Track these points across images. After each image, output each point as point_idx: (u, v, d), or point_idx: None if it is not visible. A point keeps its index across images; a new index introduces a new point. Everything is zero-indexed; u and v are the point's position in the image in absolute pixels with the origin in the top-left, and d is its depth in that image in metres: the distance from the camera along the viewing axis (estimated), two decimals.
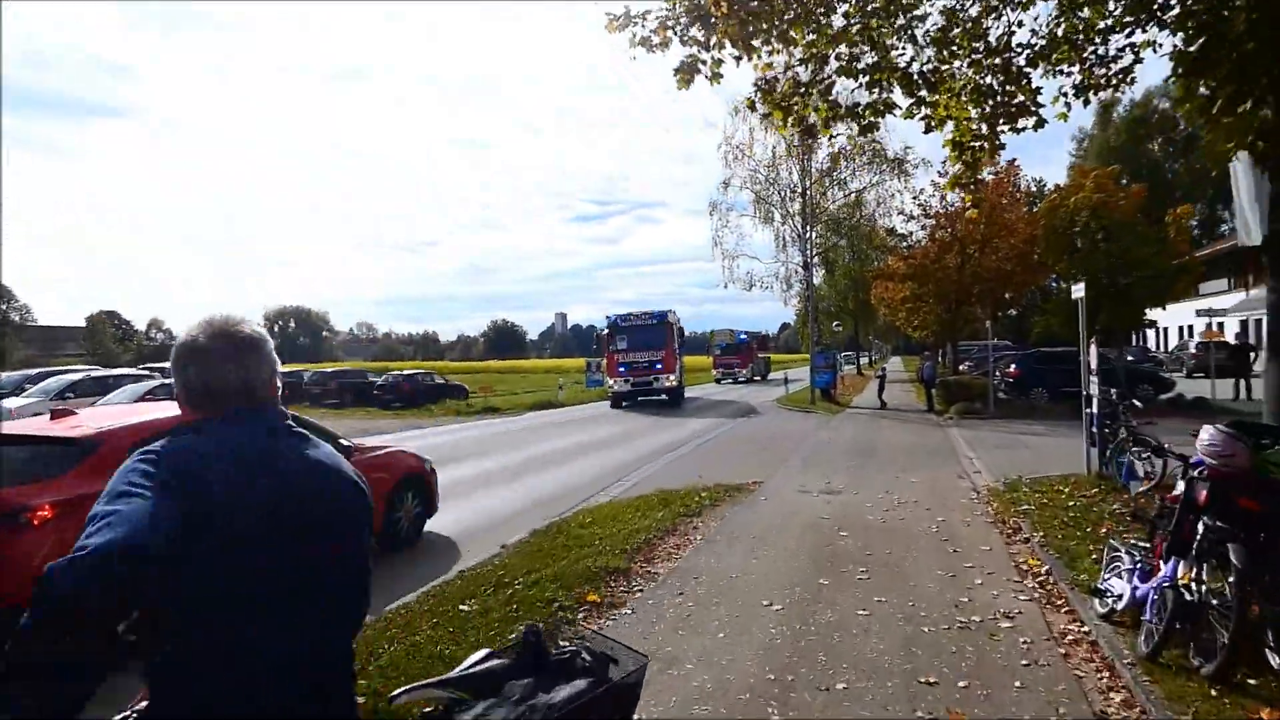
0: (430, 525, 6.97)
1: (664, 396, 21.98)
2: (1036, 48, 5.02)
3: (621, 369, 21.56)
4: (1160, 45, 4.78)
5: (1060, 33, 4.97)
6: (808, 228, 22.77)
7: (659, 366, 21.35)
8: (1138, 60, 4.87)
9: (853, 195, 23.74)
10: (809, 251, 22.73)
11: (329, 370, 27.95)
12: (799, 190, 23.34)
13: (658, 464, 10.77)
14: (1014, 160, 22.29)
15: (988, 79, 5.01)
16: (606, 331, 22.16)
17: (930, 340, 33.70)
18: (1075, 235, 17.52)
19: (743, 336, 35.39)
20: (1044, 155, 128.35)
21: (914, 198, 22.15)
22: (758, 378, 38.44)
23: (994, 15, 4.99)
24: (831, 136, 5.58)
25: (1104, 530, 5.67)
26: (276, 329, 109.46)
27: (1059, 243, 18.12)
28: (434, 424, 18.66)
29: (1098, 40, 4.92)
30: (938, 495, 7.73)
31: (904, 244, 22.88)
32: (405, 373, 26.19)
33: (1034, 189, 26.44)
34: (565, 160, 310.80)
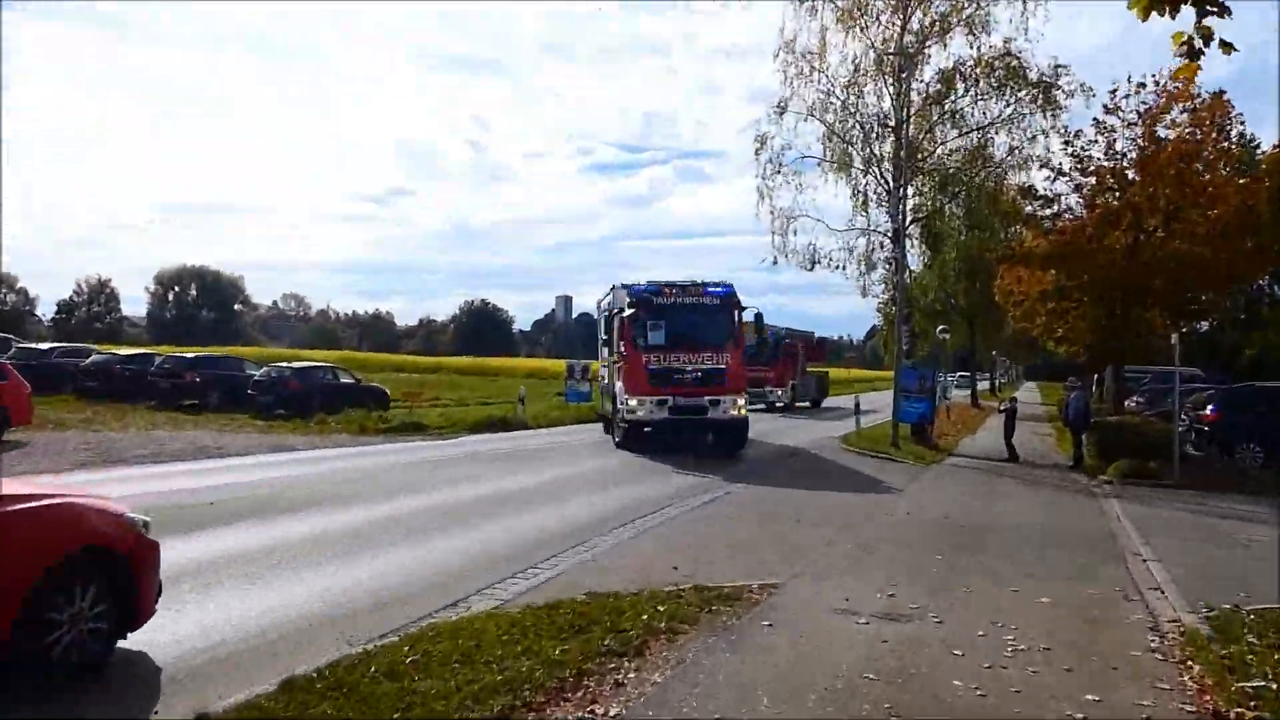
0: (144, 636, 5.60)
1: (714, 434, 18.33)
2: None
3: (655, 378, 17.65)
4: None
5: None
6: (902, 180, 21.15)
7: (719, 380, 17.71)
8: None
9: (973, 135, 22.23)
10: (902, 216, 21.08)
11: (189, 357, 27.44)
12: (891, 123, 21.97)
13: (620, 535, 9.78)
14: (1221, 93, 20.42)
15: None
16: (629, 311, 18.03)
17: (1081, 360, 32.07)
18: None
19: (778, 334, 30.71)
20: (1247, 109, 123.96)
21: (1065, 143, 20.63)
22: (805, 402, 35.46)
23: None
24: None
25: None
26: (171, 298, 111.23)
27: None
28: (311, 444, 18.51)
29: None
30: (1087, 638, 6.45)
31: (1047, 212, 21.63)
32: (296, 366, 26.19)
33: (1244, 146, 24.39)
34: (589, 89, 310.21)
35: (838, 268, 23.91)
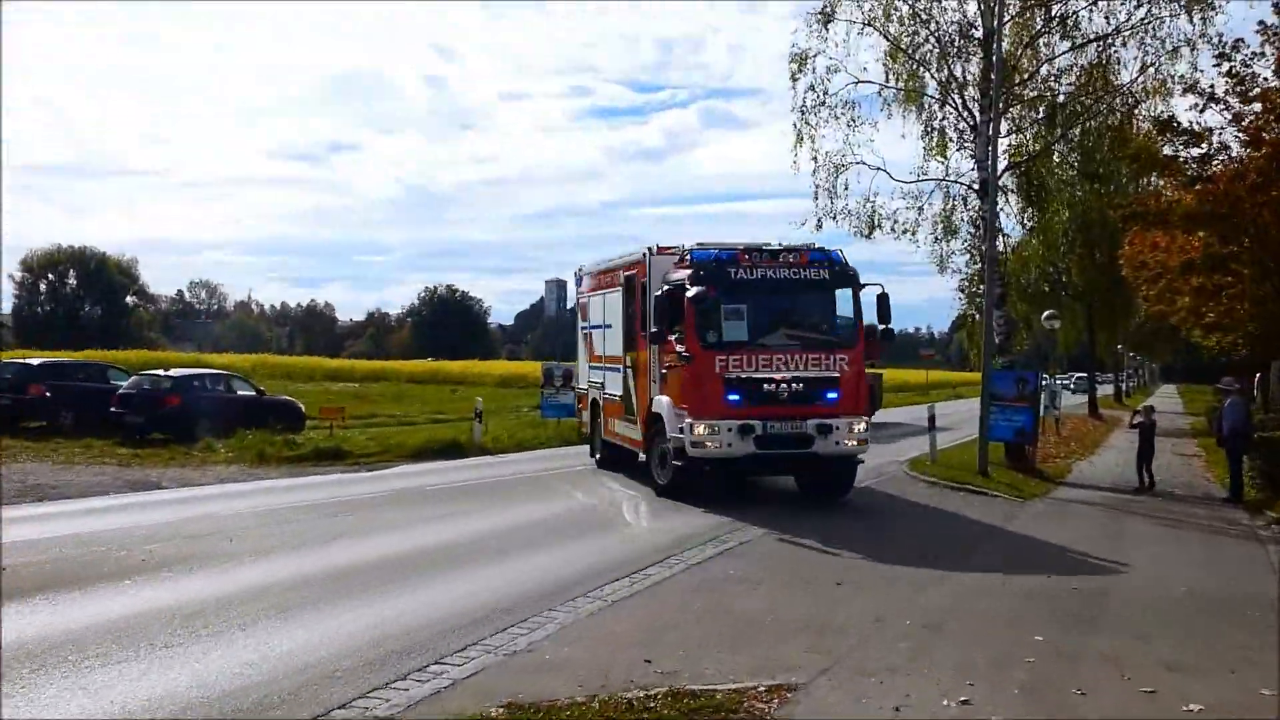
0: None
1: (810, 473, 16.74)
2: None
3: (735, 393, 15.06)
4: None
5: None
6: (993, 112, 20.47)
7: (830, 394, 15.42)
8: None
9: (1090, 49, 21.87)
10: (993, 161, 20.28)
11: (34, 364, 27.07)
12: (978, 34, 21.64)
13: (579, 610, 9.26)
14: None
15: None
16: (693, 290, 15.11)
17: (1240, 355, 31.53)
18: None
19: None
20: None
21: (1220, 56, 19.62)
22: None
23: None
24: None
25: None
26: (43, 288, 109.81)
27: None
28: (184, 480, 18.55)
29: None
30: None
31: (1194, 153, 20.56)
32: (176, 375, 26.11)
33: None
34: (587, 8, 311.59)
35: (905, 232, 23.71)
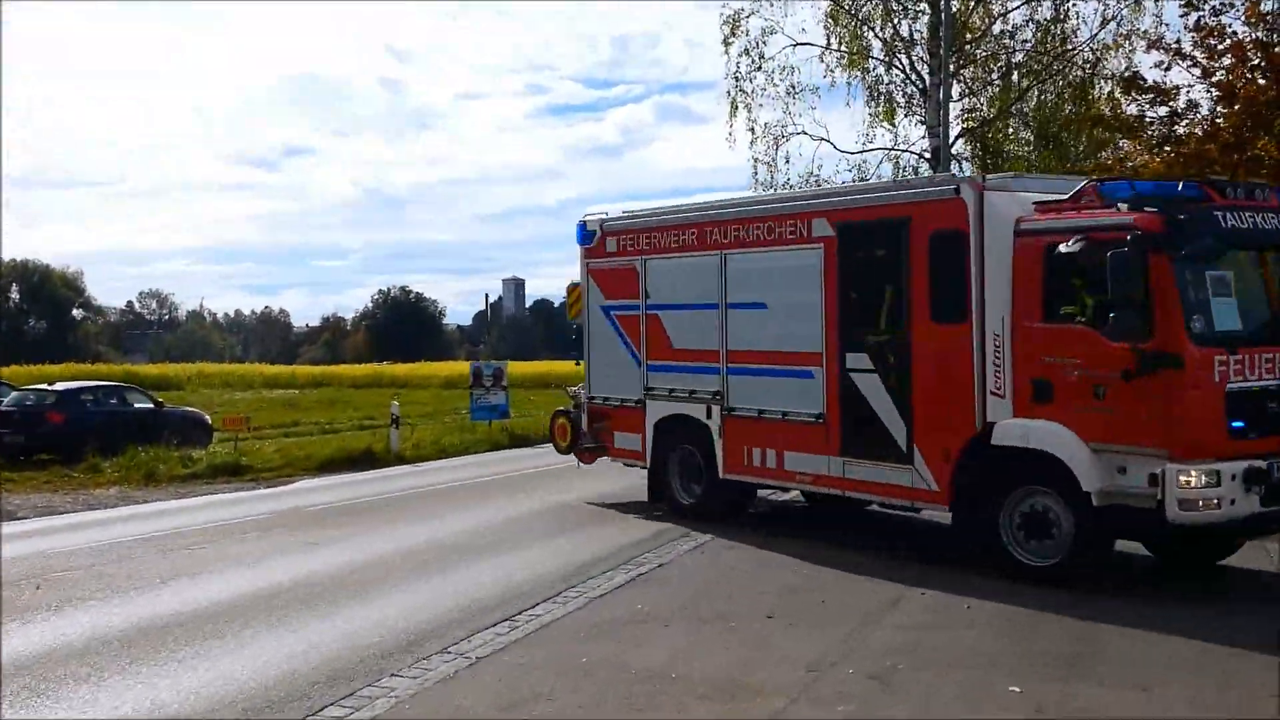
0: None
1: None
2: None
3: (1243, 415, 9.52)
4: None
5: None
6: (943, 74, 19.78)
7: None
8: None
9: (1046, 4, 21.79)
10: (944, 127, 19.77)
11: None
12: None
13: (432, 673, 7.85)
14: None
15: None
16: (1187, 246, 9.37)
17: None
18: None
19: None
20: None
21: (1185, 7, 18.63)
22: None
23: None
24: None
25: None
26: None
27: None
28: (48, 507, 17.82)
29: None
30: None
31: (1160, 112, 19.71)
32: (62, 389, 24.96)
33: None
34: (541, 6, 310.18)
35: None
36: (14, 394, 25.40)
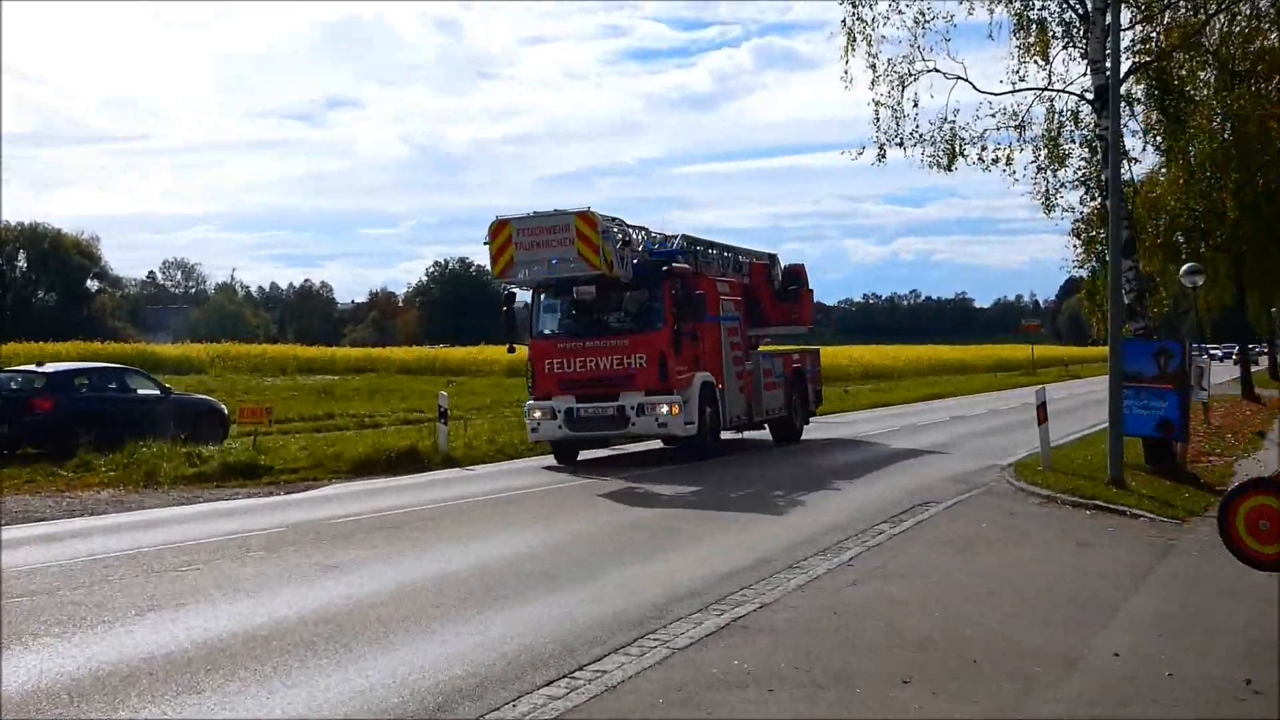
0: None
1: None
2: None
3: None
4: None
5: None
6: None
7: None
8: None
9: None
10: (1114, 59, 19.15)
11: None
12: None
13: None
14: None
15: None
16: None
17: None
18: None
19: (669, 250, 25.57)
20: None
21: None
22: (737, 427, 27.05)
23: None
24: None
25: None
26: None
27: None
28: (25, 514, 18.01)
29: None
30: None
31: None
32: (52, 371, 25.91)
33: None
34: None
35: (996, 162, 23.08)
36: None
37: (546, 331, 23.55)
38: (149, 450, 22.13)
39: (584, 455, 24.11)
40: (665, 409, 22.25)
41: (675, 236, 24.86)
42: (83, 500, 18.99)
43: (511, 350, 25.86)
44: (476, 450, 24.63)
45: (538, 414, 22.78)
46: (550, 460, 24.01)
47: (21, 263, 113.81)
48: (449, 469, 22.80)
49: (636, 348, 22.67)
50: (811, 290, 29.75)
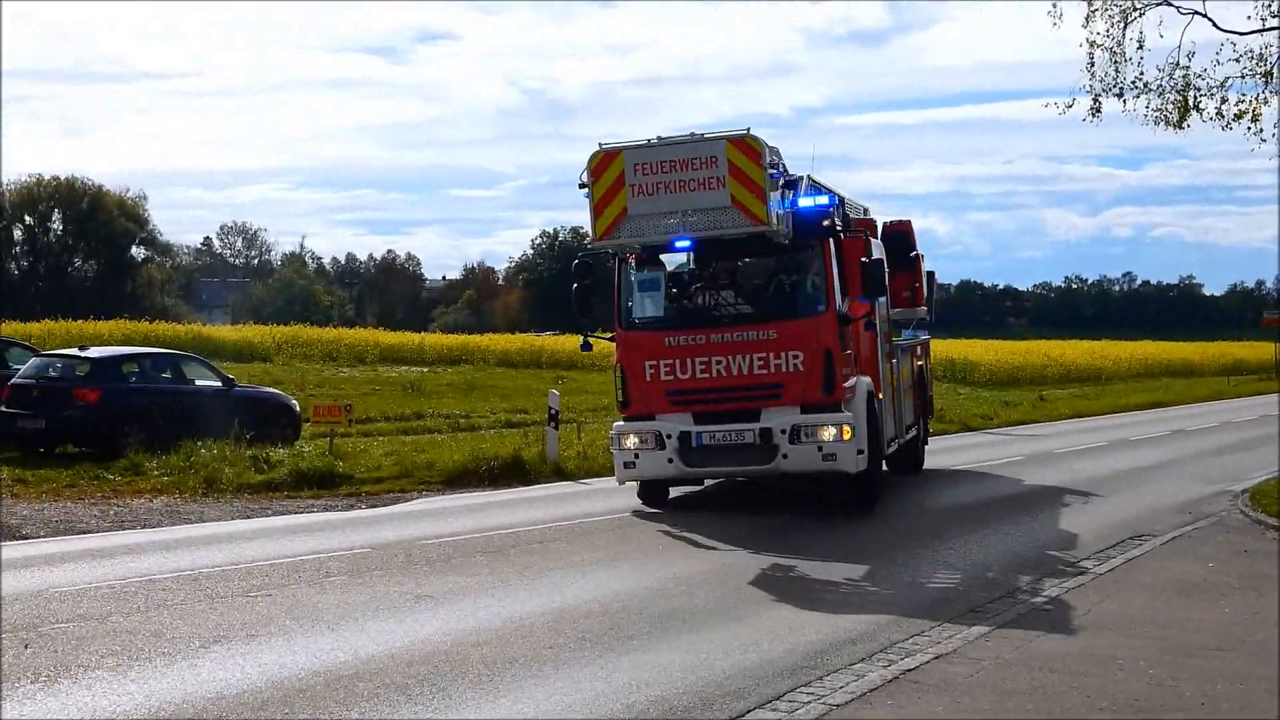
0: None
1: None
2: None
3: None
4: None
5: None
6: None
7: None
8: None
9: None
10: None
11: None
12: None
13: None
14: None
15: None
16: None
17: None
18: None
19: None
20: None
21: None
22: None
23: None
24: None
25: None
26: (17, 234, 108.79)
27: None
28: (67, 525, 18.23)
29: None
30: None
31: None
32: (97, 355, 26.30)
33: None
34: None
35: (1240, 117, 22.01)
36: (33, 362, 26.04)
37: (646, 318, 18.73)
38: (208, 452, 22.32)
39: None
40: (832, 433, 17.49)
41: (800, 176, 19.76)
42: (133, 509, 19.17)
43: (587, 347, 21.10)
44: (593, 461, 24.14)
45: (633, 441, 18.05)
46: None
47: (56, 225, 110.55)
48: (560, 482, 22.70)
49: (788, 341, 17.75)
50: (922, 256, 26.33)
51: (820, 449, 17.33)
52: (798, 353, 17.51)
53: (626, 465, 18.18)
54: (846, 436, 17.43)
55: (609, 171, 17.48)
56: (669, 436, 17.59)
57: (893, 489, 22.63)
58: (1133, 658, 10.70)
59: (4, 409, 24.04)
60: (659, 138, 18.18)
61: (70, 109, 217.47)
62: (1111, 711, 9.17)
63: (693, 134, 18.23)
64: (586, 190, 17.76)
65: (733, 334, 17.86)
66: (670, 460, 17.68)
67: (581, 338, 20.71)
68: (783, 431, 17.27)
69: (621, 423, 18.27)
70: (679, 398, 17.85)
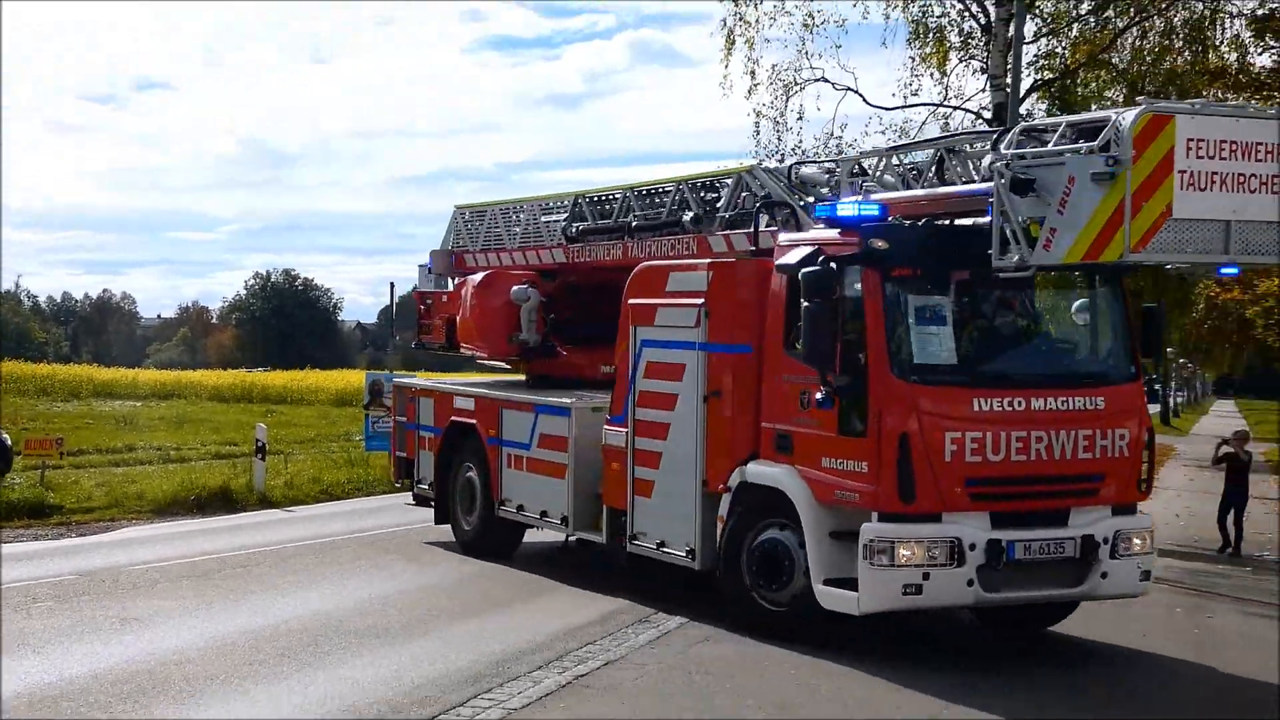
0: None
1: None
2: None
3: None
4: None
5: None
6: (1015, 5, 20.36)
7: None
8: None
9: None
10: (1014, 76, 20.20)
11: None
12: None
13: None
14: None
15: None
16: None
17: None
18: None
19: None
20: None
21: None
22: None
23: None
24: None
25: None
26: None
27: None
28: None
29: None
30: None
31: None
32: None
33: None
34: None
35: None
36: None
37: (939, 365, 12.35)
38: None
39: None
40: (1141, 544, 12.54)
41: None
42: None
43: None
44: (298, 490, 24.64)
45: (913, 552, 11.58)
46: (387, 502, 23.24)
47: None
48: (266, 510, 22.75)
49: (1115, 414, 12.47)
50: None
51: (1139, 566, 12.47)
52: (1124, 431, 12.42)
53: (908, 590, 11.54)
54: (1145, 548, 12.71)
55: (1156, 145, 10.75)
56: (972, 548, 11.61)
57: None
58: (779, 661, 11.37)
59: None
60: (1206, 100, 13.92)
61: None
62: (763, 704, 9.95)
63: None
64: (1111, 170, 10.40)
65: (1059, 400, 12.18)
66: (970, 582, 11.63)
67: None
68: (1105, 541, 12.02)
69: (887, 524, 11.56)
70: (982, 489, 11.91)
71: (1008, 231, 10.68)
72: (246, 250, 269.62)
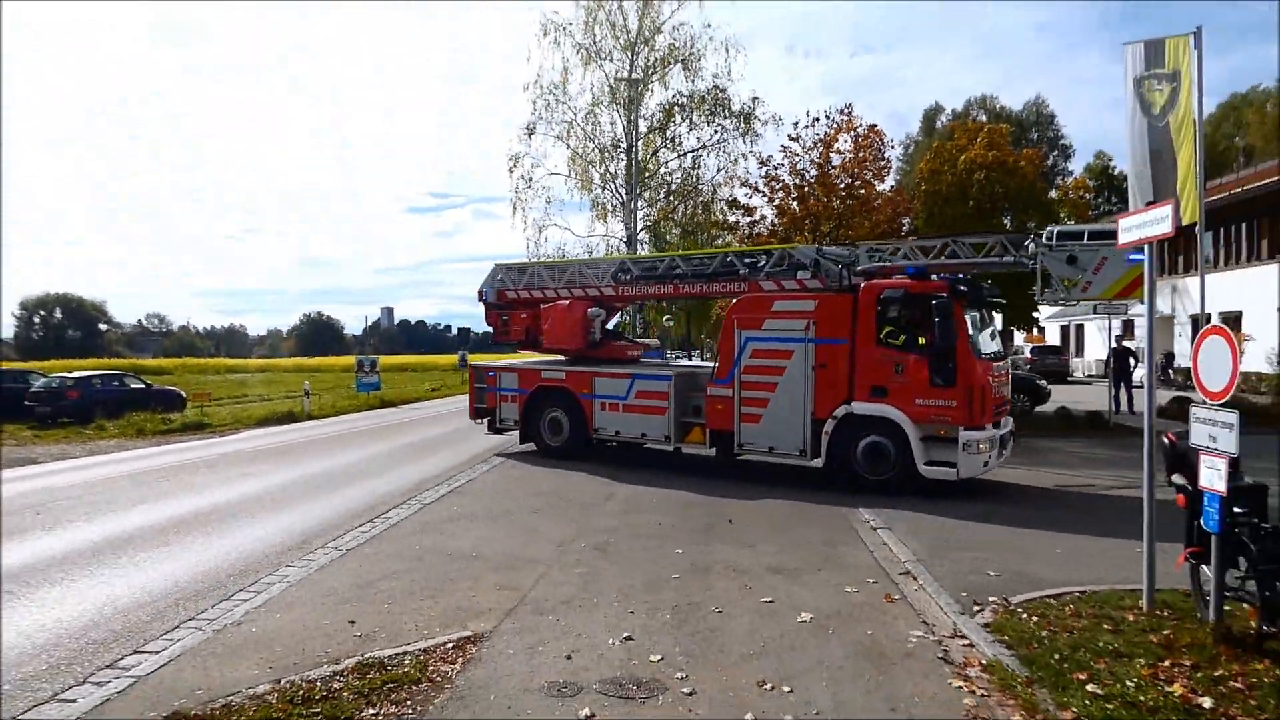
0: None
1: None
2: None
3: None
4: None
5: None
6: (633, 194, 35.45)
7: None
8: None
9: (688, 157, 36.96)
10: (633, 224, 35.50)
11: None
12: (623, 146, 37.19)
13: (313, 564, 10.77)
14: (874, 125, 32.28)
15: None
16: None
17: None
18: (970, 201, 28.53)
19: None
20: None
21: (760, 163, 32.87)
22: None
23: None
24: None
25: None
26: (37, 320, 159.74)
27: (946, 213, 28.79)
28: (63, 454, 22.64)
29: None
30: (873, 660, 7.71)
31: (747, 220, 32.95)
32: (78, 375, 35.61)
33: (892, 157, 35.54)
34: (411, 148, 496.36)
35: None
36: (42, 380, 35.64)
37: (983, 351, 17.49)
38: (138, 418, 31.25)
39: None
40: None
41: None
42: (99, 446, 24.72)
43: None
44: (325, 411, 35.12)
45: (985, 445, 16.80)
46: (365, 414, 32.01)
47: (56, 314, 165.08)
48: (310, 421, 31.59)
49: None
50: None
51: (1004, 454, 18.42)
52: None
53: (985, 465, 16.99)
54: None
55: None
56: (1000, 440, 17.71)
57: None
58: (548, 473, 15.86)
59: (27, 403, 33.55)
60: None
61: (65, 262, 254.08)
62: (536, 494, 13.78)
63: None
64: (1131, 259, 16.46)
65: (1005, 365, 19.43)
66: (998, 456, 17.80)
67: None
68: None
69: (972, 432, 16.62)
70: (995, 413, 17.78)
71: (1051, 280, 17.06)
72: (300, 304, 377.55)
